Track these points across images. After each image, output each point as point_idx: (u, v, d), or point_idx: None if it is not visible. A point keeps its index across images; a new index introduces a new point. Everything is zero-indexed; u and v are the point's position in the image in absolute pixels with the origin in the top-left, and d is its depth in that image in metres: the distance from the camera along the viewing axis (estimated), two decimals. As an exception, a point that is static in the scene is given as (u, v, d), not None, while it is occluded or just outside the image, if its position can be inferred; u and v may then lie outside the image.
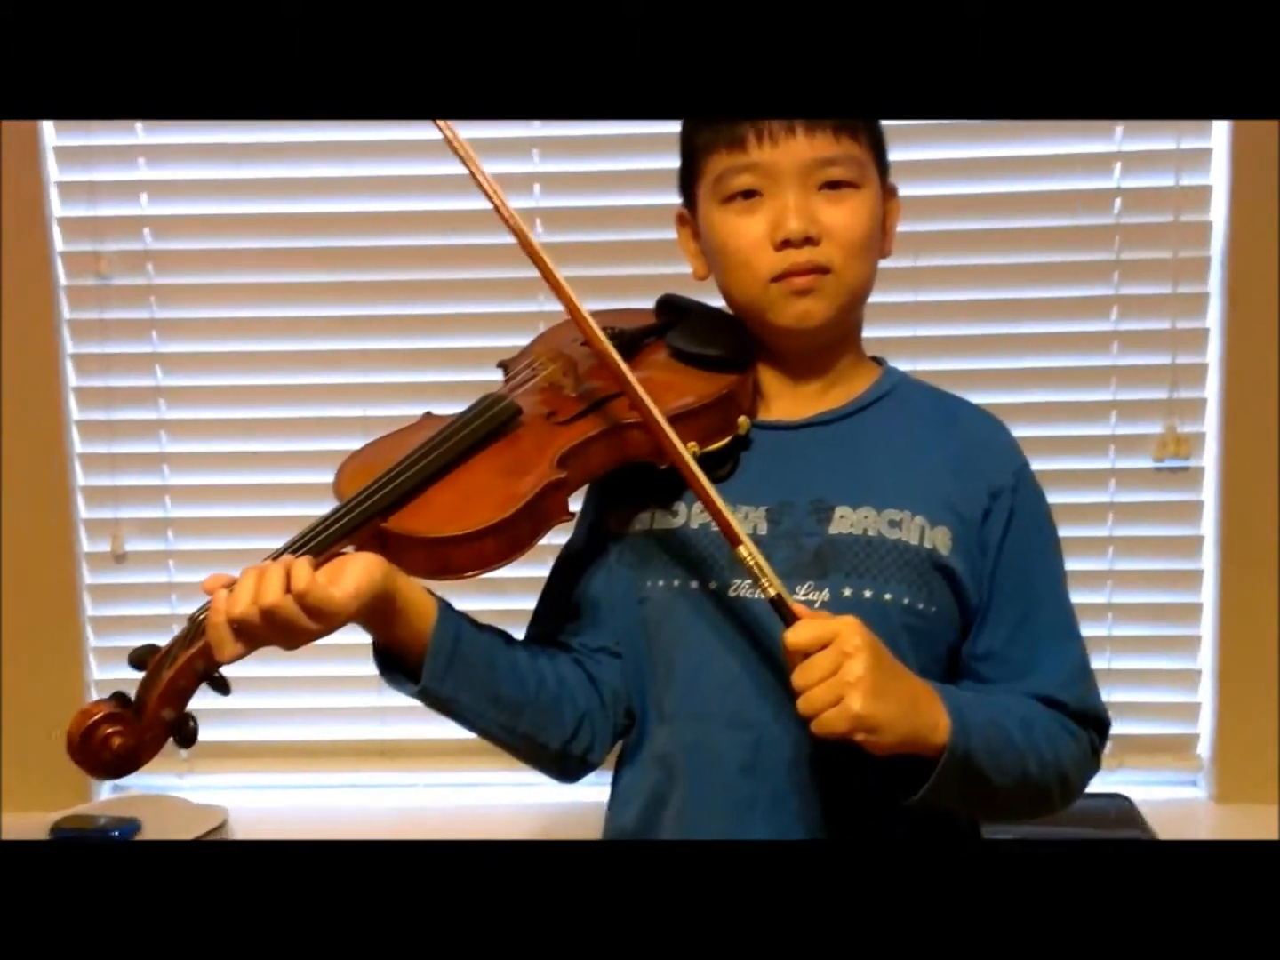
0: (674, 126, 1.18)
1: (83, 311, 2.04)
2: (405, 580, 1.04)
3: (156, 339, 2.04)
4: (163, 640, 1.02)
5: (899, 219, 1.18)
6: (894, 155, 1.17)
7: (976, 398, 1.21)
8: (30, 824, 1.86)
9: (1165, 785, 2.00)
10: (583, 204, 1.99)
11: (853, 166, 1.11)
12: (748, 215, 1.11)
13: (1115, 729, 1.17)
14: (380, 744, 2.06)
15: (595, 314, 1.08)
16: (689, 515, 1.13)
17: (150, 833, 1.86)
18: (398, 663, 1.07)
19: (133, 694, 1.01)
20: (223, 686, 1.02)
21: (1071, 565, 1.18)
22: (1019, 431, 1.19)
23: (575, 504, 1.11)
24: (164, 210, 2.03)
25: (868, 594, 1.09)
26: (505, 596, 1.47)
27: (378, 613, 1.02)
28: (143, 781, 2.03)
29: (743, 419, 1.14)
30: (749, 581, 1.07)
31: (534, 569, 1.20)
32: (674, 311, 1.22)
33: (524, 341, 1.28)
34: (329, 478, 1.11)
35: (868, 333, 1.21)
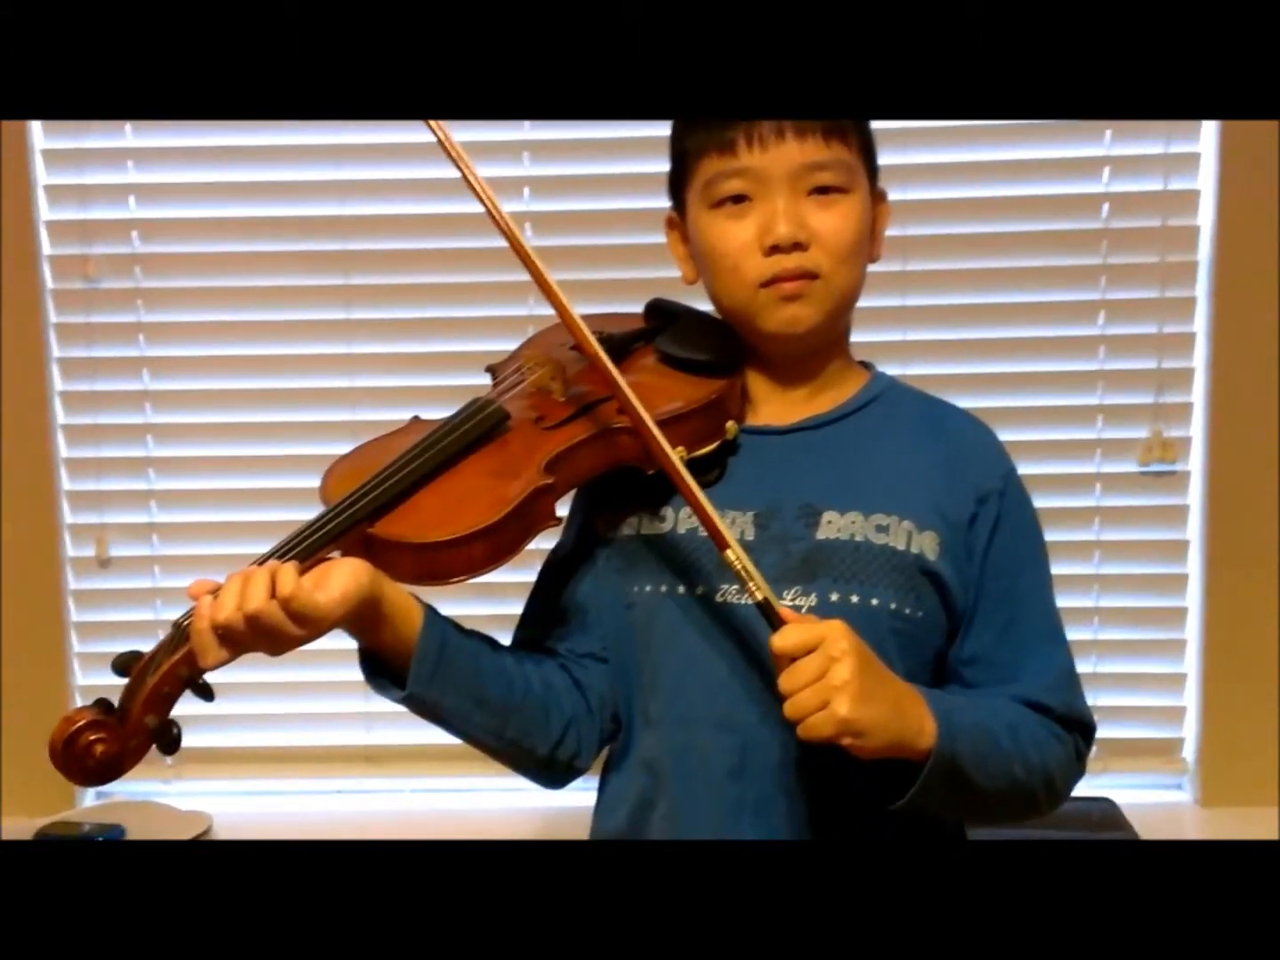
0: (664, 130, 1.18)
1: (70, 315, 2.03)
2: (391, 585, 1.03)
3: (144, 343, 2.03)
4: (147, 646, 1.02)
5: (888, 223, 1.19)
6: (883, 159, 1.17)
7: (964, 402, 1.21)
8: (14, 830, 1.86)
9: (1150, 789, 2.00)
10: (572, 208, 1.99)
11: (842, 171, 1.11)
12: (737, 220, 1.11)
13: (1101, 732, 1.17)
14: (366, 749, 2.05)
15: (583, 318, 1.08)
16: (677, 520, 1.13)
17: (135, 839, 1.85)
18: (383, 668, 1.07)
19: (116, 700, 1.00)
20: (207, 693, 1.01)
21: (1057, 569, 1.18)
22: (1006, 436, 1.19)
23: (563, 508, 1.11)
24: (152, 214, 2.02)
25: (855, 599, 1.09)
26: (495, 601, 1.46)
27: (363, 618, 1.02)
28: (128, 788, 2.02)
29: (731, 424, 1.14)
30: (736, 586, 1.07)
31: (524, 573, 1.20)
32: (663, 316, 1.21)
33: (513, 345, 1.28)
34: (316, 482, 1.11)
35: (856, 337, 1.21)
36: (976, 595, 1.13)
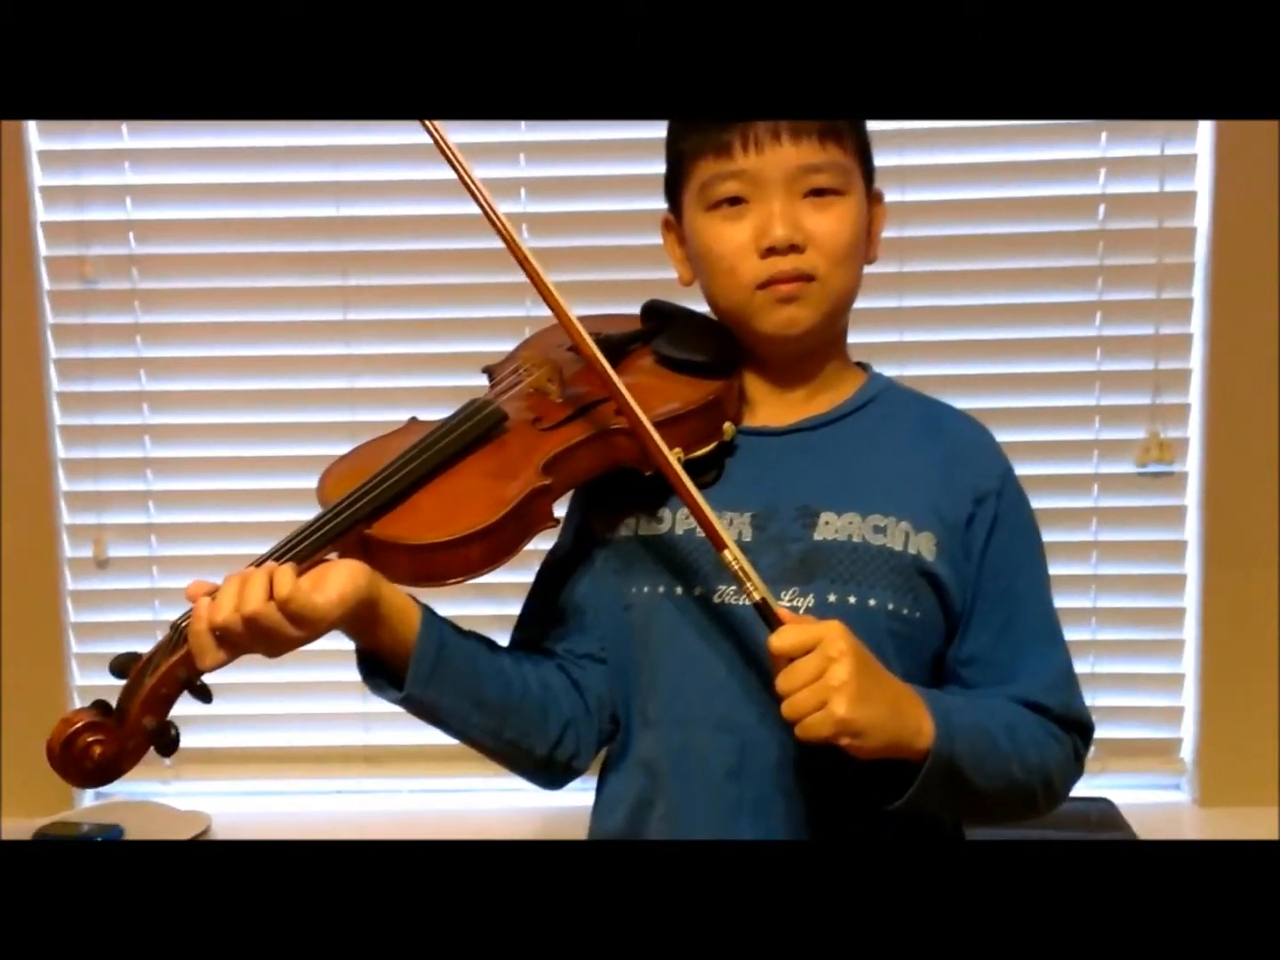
0: (661, 132, 1.18)
1: (67, 316, 2.03)
2: (389, 586, 1.03)
3: (141, 344, 2.03)
4: (145, 647, 1.02)
5: (884, 225, 1.19)
6: (880, 161, 1.17)
7: (961, 403, 1.21)
8: (13, 830, 1.86)
9: (1148, 789, 2.00)
10: (569, 209, 1.99)
11: (838, 173, 1.11)
12: (733, 222, 1.11)
13: (1099, 733, 1.17)
14: (365, 749, 2.05)
15: (580, 319, 1.08)
16: (674, 521, 1.13)
17: (133, 839, 1.85)
18: (381, 669, 1.07)
19: (114, 702, 1.00)
20: (205, 694, 1.01)
21: (1055, 570, 1.18)
22: (1003, 436, 1.19)
23: (560, 509, 1.11)
24: (149, 215, 2.02)
25: (852, 600, 1.09)
26: (494, 601, 1.47)
27: (361, 619, 1.02)
28: (127, 788, 2.02)
29: (728, 425, 1.14)
30: (734, 587, 1.07)
31: (521, 574, 1.20)
32: (660, 317, 1.22)
33: (511, 346, 1.28)
34: (314, 483, 1.11)
35: (853, 338, 1.21)
36: (974, 596, 1.13)
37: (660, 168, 1.19)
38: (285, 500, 1.92)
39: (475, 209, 1.07)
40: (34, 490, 2.02)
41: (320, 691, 2.00)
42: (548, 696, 1.13)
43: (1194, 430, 1.95)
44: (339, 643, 1.05)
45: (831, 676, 0.96)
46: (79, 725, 0.98)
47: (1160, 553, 1.98)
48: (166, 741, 1.00)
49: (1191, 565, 1.97)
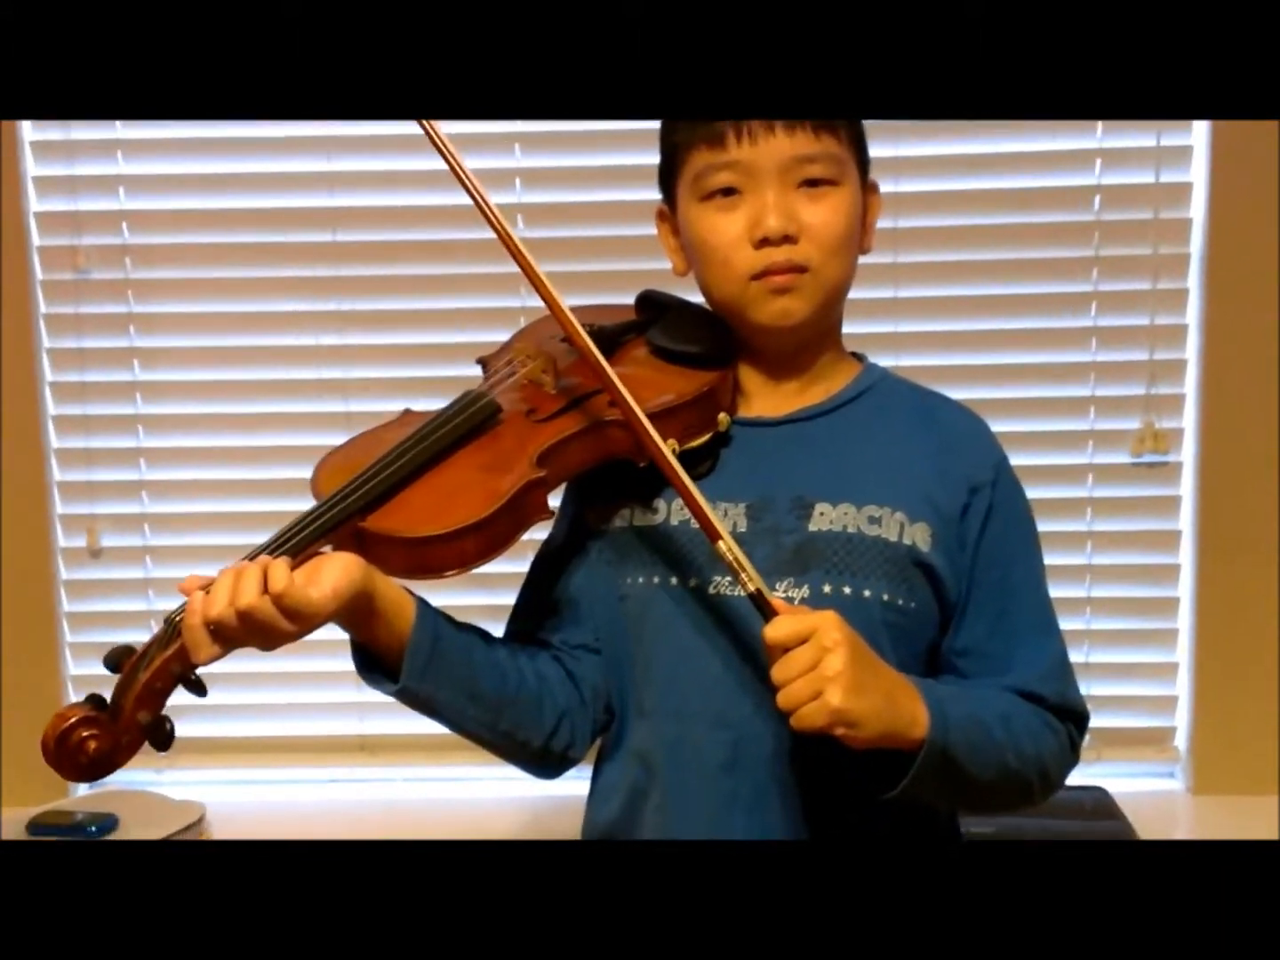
0: (656, 122, 1.18)
1: (60, 306, 2.02)
2: (383, 579, 1.03)
3: (134, 333, 2.03)
4: (140, 637, 1.02)
5: (879, 215, 1.19)
6: (874, 152, 1.17)
7: (956, 393, 1.21)
8: (7, 819, 1.86)
9: (1143, 777, 2.01)
10: (565, 199, 1.98)
11: (832, 164, 1.11)
12: (727, 213, 1.11)
13: (1093, 722, 1.18)
14: (359, 739, 2.06)
15: (575, 310, 1.08)
16: (669, 512, 1.13)
17: (128, 828, 1.85)
18: (376, 662, 1.07)
19: (108, 696, 1.00)
20: (199, 688, 1.01)
21: (1050, 560, 1.18)
22: (998, 427, 1.19)
23: (554, 500, 1.11)
24: (142, 205, 2.02)
25: (847, 590, 1.09)
26: (488, 591, 1.47)
27: (356, 613, 1.02)
28: (121, 777, 1.99)
29: (723, 416, 1.14)
30: (729, 578, 1.07)
31: (516, 564, 1.20)
32: (654, 308, 1.21)
33: (505, 336, 1.28)
34: (307, 473, 1.11)
35: (848, 328, 1.21)
36: (969, 586, 1.13)
37: (656, 157, 1.19)
38: (279, 490, 1.92)
39: (470, 199, 1.07)
40: (27, 480, 2.02)
41: (315, 681, 2.01)
42: (543, 688, 1.13)
43: (1189, 421, 1.96)
44: (333, 632, 1.04)
45: (826, 667, 0.96)
46: (73, 720, 0.97)
47: (1155, 543, 1.98)
48: (161, 736, 1.00)
49: (1186, 555, 1.97)
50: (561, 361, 1.15)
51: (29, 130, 2.00)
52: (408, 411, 1.17)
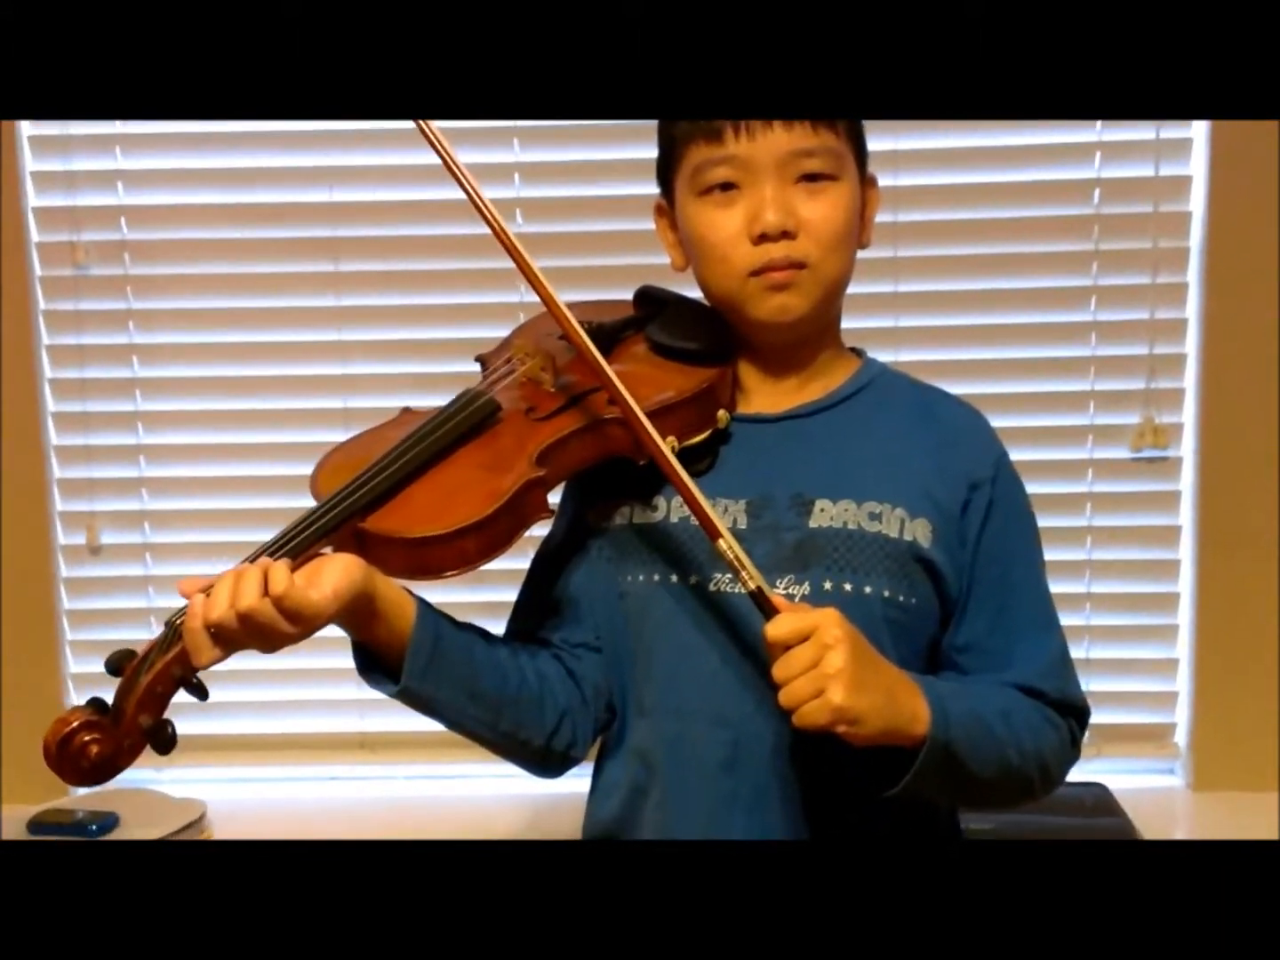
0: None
1: (59, 302, 2.02)
2: (383, 580, 1.03)
3: (133, 329, 2.03)
4: (139, 634, 1.02)
5: (878, 209, 1.18)
6: (873, 145, 1.16)
7: (955, 388, 1.21)
8: (8, 817, 1.85)
9: (1143, 773, 2.00)
10: (563, 194, 1.98)
11: (831, 159, 1.10)
12: (725, 208, 1.10)
13: (1094, 718, 1.17)
14: (360, 736, 2.05)
15: (574, 306, 1.08)
16: (669, 509, 1.13)
17: (129, 826, 1.85)
18: (377, 662, 1.07)
19: (109, 699, 1.00)
20: (200, 691, 1.01)
21: (1050, 555, 1.18)
22: (997, 422, 1.19)
23: (554, 498, 1.10)
24: (141, 200, 2.01)
25: (848, 587, 1.09)
26: (487, 588, 1.46)
27: (356, 614, 1.01)
28: (121, 775, 2.00)
29: (722, 413, 1.13)
30: (729, 575, 1.07)
31: (516, 561, 1.20)
32: (653, 304, 1.21)
33: (504, 332, 1.27)
34: (307, 470, 1.11)
35: (847, 323, 1.21)
36: (969, 582, 1.13)
37: (654, 153, 1.18)
38: (278, 487, 1.92)
39: (467, 198, 1.06)
40: (27, 477, 2.01)
41: (315, 678, 2.00)
42: (544, 687, 1.13)
43: (1188, 415, 1.95)
44: (333, 629, 1.04)
45: (827, 664, 0.96)
46: (75, 725, 0.97)
47: (1154, 538, 1.98)
48: (163, 739, 1.00)
49: (1186, 550, 1.97)
50: (560, 359, 1.14)
51: (27, 125, 1.99)
52: (407, 410, 1.17)
